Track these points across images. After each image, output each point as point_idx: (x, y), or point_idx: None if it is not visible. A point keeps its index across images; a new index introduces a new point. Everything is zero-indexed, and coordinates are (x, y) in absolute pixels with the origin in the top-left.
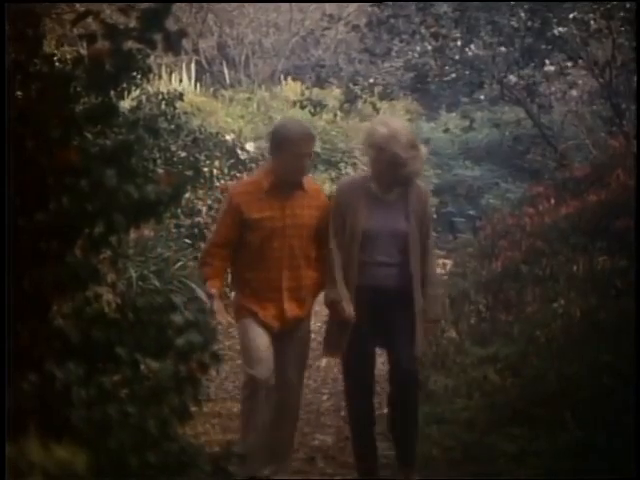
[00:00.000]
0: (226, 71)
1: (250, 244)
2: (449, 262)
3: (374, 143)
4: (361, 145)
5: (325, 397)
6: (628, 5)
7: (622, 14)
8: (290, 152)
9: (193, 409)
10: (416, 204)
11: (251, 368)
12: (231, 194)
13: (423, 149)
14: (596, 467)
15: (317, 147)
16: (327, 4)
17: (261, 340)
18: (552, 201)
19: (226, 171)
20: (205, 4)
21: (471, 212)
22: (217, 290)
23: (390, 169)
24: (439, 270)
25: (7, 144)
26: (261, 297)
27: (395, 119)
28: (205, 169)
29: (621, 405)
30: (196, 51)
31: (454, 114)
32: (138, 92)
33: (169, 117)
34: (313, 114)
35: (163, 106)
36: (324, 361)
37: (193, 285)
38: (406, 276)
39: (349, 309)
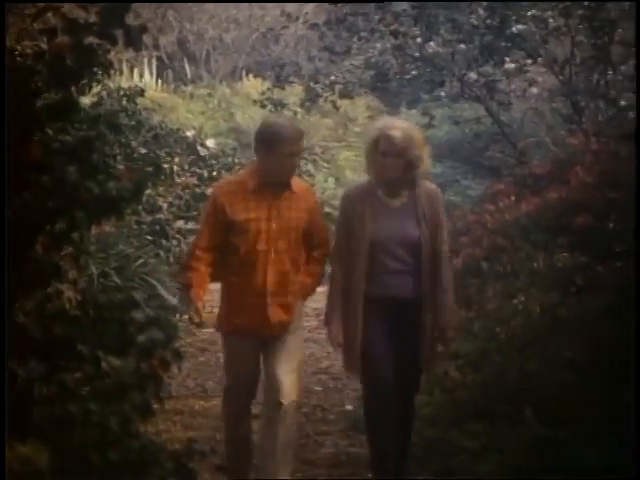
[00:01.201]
0: (187, 67)
1: (235, 247)
2: None
3: (391, 150)
4: (368, 155)
5: None
6: (585, 2)
7: (580, 12)
8: (278, 151)
9: (155, 406)
10: (426, 206)
11: (230, 382)
12: (215, 194)
13: (428, 146)
14: (556, 462)
15: None
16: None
17: (245, 358)
18: (512, 198)
19: (187, 167)
20: None
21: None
22: (202, 302)
23: (404, 172)
24: None
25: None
26: (245, 304)
27: (396, 120)
28: (166, 165)
29: (581, 400)
30: (156, 47)
31: (414, 111)
32: (99, 88)
33: (130, 113)
34: (274, 112)
35: (124, 102)
36: None
37: (154, 282)
38: (421, 284)
39: (336, 335)
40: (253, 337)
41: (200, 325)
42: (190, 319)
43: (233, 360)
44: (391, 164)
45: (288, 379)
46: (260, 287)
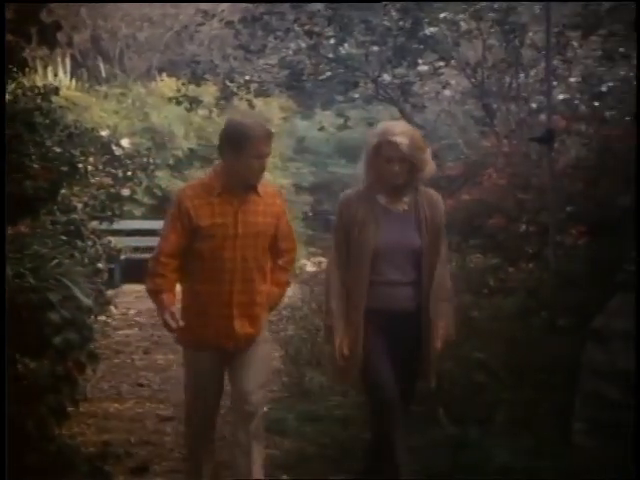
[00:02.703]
0: (101, 65)
1: (199, 254)
2: (325, 260)
3: (396, 156)
4: (368, 161)
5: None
6: (496, 6)
7: (491, 15)
8: (246, 152)
9: (70, 409)
10: (427, 212)
11: (192, 400)
12: (180, 197)
13: (429, 149)
14: (468, 462)
15: (192, 143)
16: None
17: (208, 374)
18: None
19: (101, 167)
20: None
21: None
22: (175, 307)
23: (408, 177)
24: (314, 268)
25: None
26: (209, 314)
27: (397, 124)
28: (80, 165)
29: (492, 401)
30: (70, 44)
31: (329, 112)
32: (13, 86)
33: (45, 111)
34: (189, 110)
35: (39, 100)
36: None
37: (69, 283)
38: (422, 295)
39: (341, 345)
40: (217, 351)
41: (175, 332)
42: (165, 325)
43: (195, 376)
44: (396, 170)
45: (258, 394)
46: (226, 297)
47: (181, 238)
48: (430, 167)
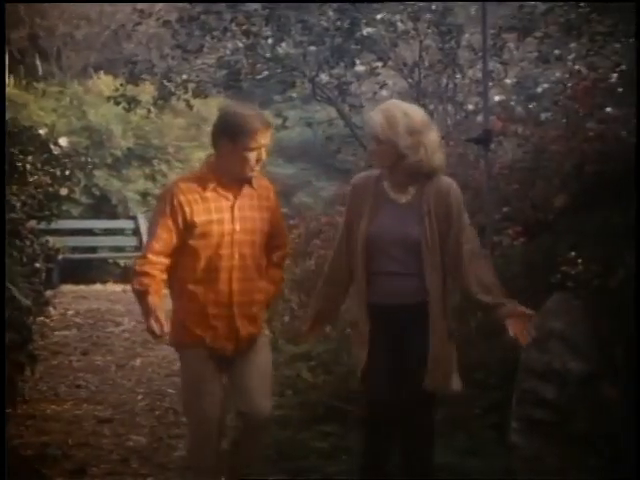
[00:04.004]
0: (39, 63)
1: (194, 252)
2: None
3: (371, 136)
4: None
5: (140, 397)
6: (433, 7)
7: (428, 16)
8: (241, 144)
9: (8, 410)
10: (434, 204)
11: (194, 413)
12: (172, 192)
13: (433, 134)
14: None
15: (130, 143)
16: None
17: (209, 378)
18: None
19: (39, 166)
20: None
21: (284, 210)
22: (162, 311)
23: (395, 163)
24: None
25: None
26: (208, 315)
27: (397, 102)
28: (19, 164)
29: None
30: (8, 41)
31: (267, 112)
32: None
33: None
34: (127, 109)
35: None
36: (138, 360)
37: (8, 284)
38: (423, 289)
39: (305, 322)
40: (214, 354)
41: (160, 337)
42: (149, 330)
43: (196, 379)
44: (373, 151)
45: (267, 401)
46: (225, 297)
47: (172, 236)
48: (423, 154)
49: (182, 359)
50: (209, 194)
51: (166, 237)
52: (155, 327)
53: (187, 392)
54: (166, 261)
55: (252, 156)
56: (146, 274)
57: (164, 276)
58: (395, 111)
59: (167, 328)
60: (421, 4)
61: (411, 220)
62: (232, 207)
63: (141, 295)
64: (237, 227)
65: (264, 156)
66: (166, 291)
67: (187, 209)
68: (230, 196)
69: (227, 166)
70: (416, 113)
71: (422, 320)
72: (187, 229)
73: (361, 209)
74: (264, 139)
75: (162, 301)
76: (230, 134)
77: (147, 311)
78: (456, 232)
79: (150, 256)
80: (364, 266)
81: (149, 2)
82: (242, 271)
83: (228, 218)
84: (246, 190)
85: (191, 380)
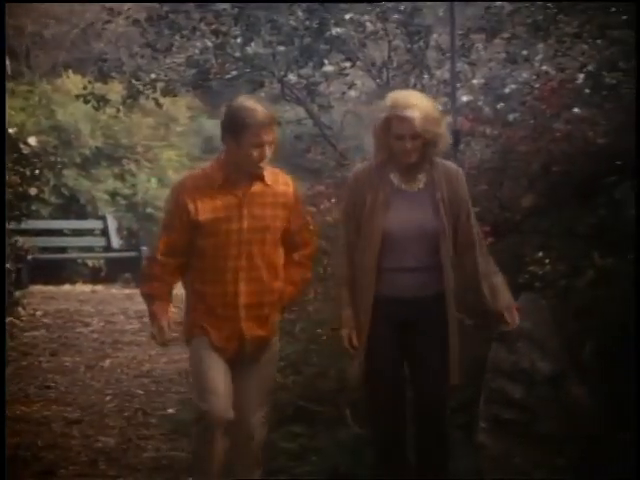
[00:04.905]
0: (7, 62)
1: (202, 251)
2: None
3: (408, 133)
4: (378, 136)
5: (109, 398)
6: (402, 7)
7: (396, 17)
8: (245, 140)
9: None
10: (447, 190)
11: (205, 402)
12: (178, 191)
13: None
14: (373, 462)
15: (99, 142)
16: None
17: (217, 368)
18: (333, 200)
19: (10, 166)
20: None
21: None
22: (167, 319)
23: (423, 153)
24: None
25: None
26: (215, 315)
27: (410, 95)
28: None
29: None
30: None
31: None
32: None
33: None
34: (96, 108)
35: None
36: (107, 361)
37: None
38: (441, 282)
39: (350, 335)
40: (223, 353)
41: (164, 346)
42: (152, 337)
43: (205, 367)
44: (408, 147)
45: (257, 416)
46: (231, 298)
47: (180, 236)
48: (445, 140)
49: (191, 351)
50: (216, 191)
51: (173, 237)
52: (157, 337)
53: (195, 381)
54: (175, 261)
55: (255, 152)
56: (155, 277)
57: (173, 278)
58: (424, 104)
59: (169, 336)
60: (390, 4)
61: (426, 210)
62: (240, 205)
63: (149, 299)
64: (245, 225)
65: (268, 153)
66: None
67: (192, 208)
68: (239, 193)
69: (232, 163)
70: (431, 102)
71: (438, 312)
72: (194, 228)
73: (369, 202)
74: (267, 135)
75: (169, 306)
76: (233, 129)
77: (153, 318)
78: (467, 215)
79: (159, 257)
80: (375, 260)
81: (118, 1)
82: (251, 271)
83: (236, 216)
84: (257, 187)
85: (200, 369)
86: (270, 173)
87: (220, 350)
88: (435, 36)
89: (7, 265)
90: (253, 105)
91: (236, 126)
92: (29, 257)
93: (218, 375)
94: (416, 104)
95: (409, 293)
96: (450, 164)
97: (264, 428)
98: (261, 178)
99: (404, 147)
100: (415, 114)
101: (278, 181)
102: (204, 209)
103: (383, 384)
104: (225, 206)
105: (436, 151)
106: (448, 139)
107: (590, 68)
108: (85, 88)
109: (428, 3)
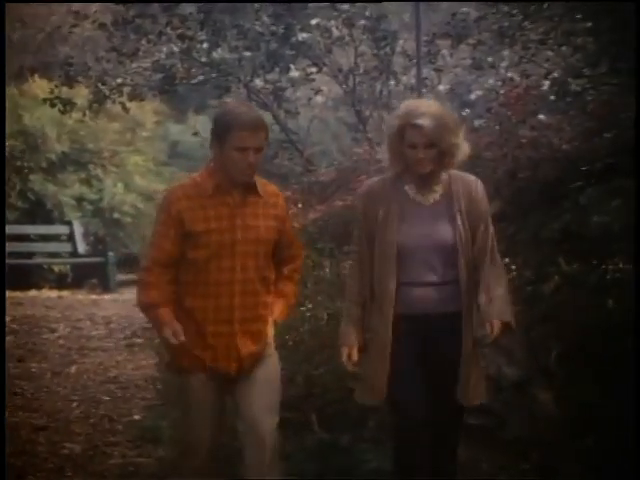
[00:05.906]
0: None
1: (193, 264)
2: None
3: (421, 142)
4: (391, 147)
5: (75, 404)
6: (367, 13)
7: (362, 22)
8: (229, 145)
9: None
10: (465, 203)
11: (187, 459)
12: (169, 200)
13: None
14: (339, 466)
15: (65, 147)
16: None
17: (204, 418)
18: (299, 205)
19: None
20: None
21: None
22: (177, 322)
23: (438, 163)
24: None
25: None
26: (207, 333)
27: (422, 103)
28: None
29: (364, 406)
30: None
31: (202, 117)
32: None
33: None
34: (63, 112)
35: None
36: (74, 368)
37: None
38: (459, 296)
39: (351, 353)
40: (216, 375)
41: (174, 350)
42: (165, 343)
43: (194, 407)
44: (421, 157)
45: (268, 421)
46: (226, 313)
47: (175, 246)
48: (464, 150)
49: (180, 385)
50: (207, 201)
51: (168, 247)
52: (172, 339)
53: (185, 418)
54: (171, 272)
55: (237, 157)
56: (153, 286)
57: (172, 288)
58: (438, 112)
59: (183, 337)
60: (355, 10)
61: (443, 223)
62: (233, 215)
63: (152, 309)
64: (239, 237)
65: (253, 159)
66: None
67: (184, 217)
68: (231, 203)
69: (223, 169)
70: (447, 110)
71: (454, 330)
72: (186, 239)
73: (383, 215)
74: (252, 140)
75: (173, 311)
76: (218, 132)
77: (161, 324)
78: (485, 226)
79: (155, 268)
80: (393, 275)
81: (84, 2)
82: (245, 285)
83: (228, 227)
84: (249, 196)
85: (189, 408)
86: (261, 183)
87: (217, 373)
88: (401, 42)
89: None
90: (240, 109)
91: (221, 129)
92: None
93: (203, 432)
94: (430, 112)
95: (430, 308)
96: (468, 175)
97: (276, 435)
98: (253, 188)
99: (417, 156)
100: (428, 122)
101: (268, 192)
102: (196, 219)
103: (410, 414)
104: (217, 216)
105: (453, 162)
106: (466, 149)
107: (555, 75)
108: (52, 92)
109: (393, 9)
